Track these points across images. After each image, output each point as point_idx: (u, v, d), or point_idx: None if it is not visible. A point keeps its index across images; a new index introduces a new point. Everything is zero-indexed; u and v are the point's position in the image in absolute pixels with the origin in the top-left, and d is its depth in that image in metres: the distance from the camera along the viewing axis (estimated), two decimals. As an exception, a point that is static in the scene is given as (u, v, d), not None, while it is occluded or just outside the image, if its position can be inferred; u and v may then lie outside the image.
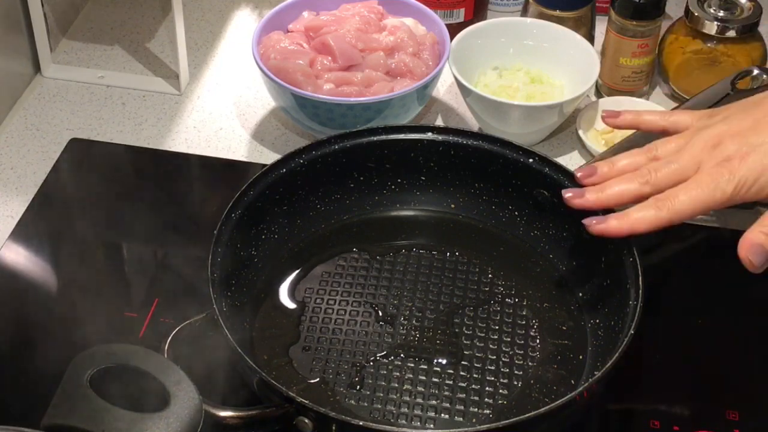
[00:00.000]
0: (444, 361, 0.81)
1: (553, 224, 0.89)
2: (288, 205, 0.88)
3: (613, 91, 1.07)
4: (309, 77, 0.97)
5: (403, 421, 0.77)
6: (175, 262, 0.94)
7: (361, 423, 0.71)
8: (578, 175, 0.82)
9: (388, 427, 0.71)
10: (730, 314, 0.88)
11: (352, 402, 0.78)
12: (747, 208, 0.89)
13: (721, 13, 1.03)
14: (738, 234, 0.69)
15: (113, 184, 0.99)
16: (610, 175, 0.81)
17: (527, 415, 0.75)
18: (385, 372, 0.80)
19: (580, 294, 0.85)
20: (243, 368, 0.75)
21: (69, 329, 0.85)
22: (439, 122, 1.07)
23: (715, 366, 0.84)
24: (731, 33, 1.02)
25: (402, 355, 0.81)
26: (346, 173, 0.91)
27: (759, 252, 0.71)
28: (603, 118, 0.87)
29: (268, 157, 1.02)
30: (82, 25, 1.18)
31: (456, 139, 0.90)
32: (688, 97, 1.02)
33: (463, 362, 0.81)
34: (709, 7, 1.03)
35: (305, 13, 1.06)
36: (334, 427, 0.70)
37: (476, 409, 0.78)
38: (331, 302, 0.85)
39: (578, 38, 1.04)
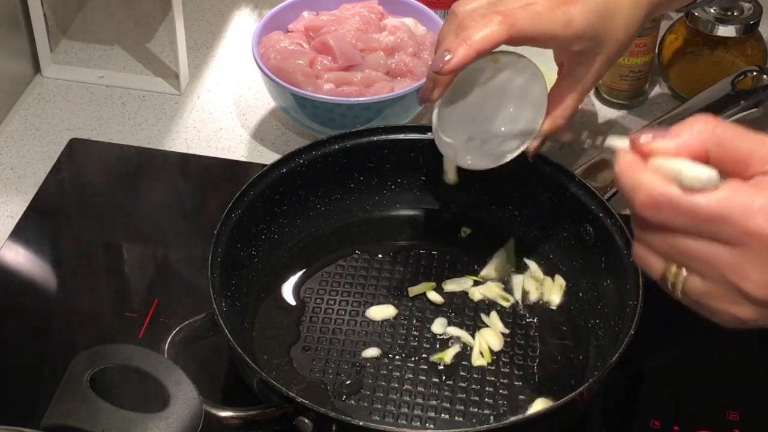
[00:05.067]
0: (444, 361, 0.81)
1: (554, 224, 0.89)
2: (288, 205, 0.88)
3: (613, 91, 1.07)
4: (309, 77, 0.97)
5: (403, 421, 0.77)
6: (175, 262, 0.94)
7: (360, 423, 0.71)
8: None
9: (388, 427, 0.71)
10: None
11: (352, 402, 0.78)
12: None
13: (721, 13, 1.03)
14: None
15: (113, 184, 0.99)
16: None
17: (527, 415, 0.75)
18: (385, 372, 0.80)
19: (580, 294, 0.85)
20: (243, 368, 0.75)
21: (69, 329, 0.85)
22: (439, 122, 1.06)
23: (715, 366, 0.84)
24: (731, 33, 1.02)
25: (402, 355, 0.81)
26: (346, 173, 0.91)
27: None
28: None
29: (268, 157, 1.02)
30: (82, 25, 1.18)
31: (456, 139, 0.90)
32: (688, 97, 1.02)
33: (463, 362, 0.81)
34: (709, 7, 1.03)
35: (305, 13, 1.06)
36: (333, 427, 0.70)
37: (476, 409, 0.78)
38: (331, 302, 0.85)
39: (578, 38, 1.04)
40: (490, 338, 0.82)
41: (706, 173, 0.55)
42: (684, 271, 0.57)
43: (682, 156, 0.56)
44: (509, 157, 0.83)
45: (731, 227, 0.55)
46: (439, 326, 0.83)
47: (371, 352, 0.81)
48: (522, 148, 0.82)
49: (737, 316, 0.58)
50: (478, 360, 0.81)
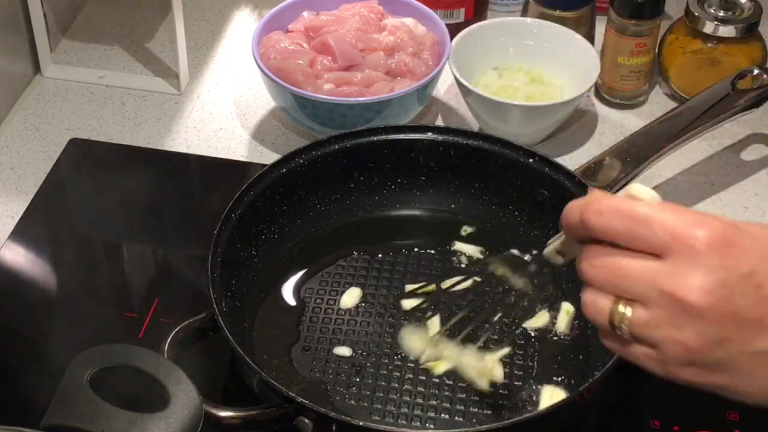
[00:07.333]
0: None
1: (553, 224, 0.88)
2: (288, 205, 0.88)
3: (613, 91, 1.07)
4: (309, 77, 0.97)
5: (403, 421, 0.77)
6: (175, 262, 0.94)
7: (361, 423, 0.71)
8: None
9: (388, 428, 0.71)
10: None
11: (352, 402, 0.78)
12: None
13: (721, 13, 1.03)
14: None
15: (113, 184, 0.99)
16: None
17: (527, 415, 0.75)
18: (385, 372, 0.80)
19: (581, 295, 0.85)
20: (243, 368, 0.75)
21: (69, 329, 0.85)
22: (439, 122, 1.07)
23: (715, 366, 0.84)
24: (731, 33, 1.02)
25: (402, 355, 0.81)
26: (346, 173, 0.91)
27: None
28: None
29: (268, 157, 1.02)
30: (82, 25, 1.18)
31: (456, 139, 0.90)
32: (688, 97, 1.02)
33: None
34: (709, 7, 1.03)
35: (305, 13, 1.06)
36: (334, 427, 0.70)
37: (476, 409, 0.78)
38: (331, 302, 0.85)
39: (578, 38, 1.04)
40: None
41: (651, 191, 0.60)
42: (629, 310, 0.57)
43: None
44: None
45: (660, 231, 0.55)
46: (438, 327, 0.83)
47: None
48: None
49: (681, 342, 0.56)
50: None
